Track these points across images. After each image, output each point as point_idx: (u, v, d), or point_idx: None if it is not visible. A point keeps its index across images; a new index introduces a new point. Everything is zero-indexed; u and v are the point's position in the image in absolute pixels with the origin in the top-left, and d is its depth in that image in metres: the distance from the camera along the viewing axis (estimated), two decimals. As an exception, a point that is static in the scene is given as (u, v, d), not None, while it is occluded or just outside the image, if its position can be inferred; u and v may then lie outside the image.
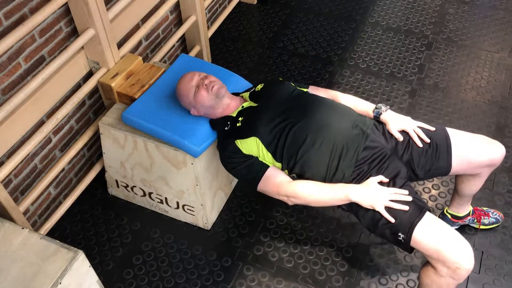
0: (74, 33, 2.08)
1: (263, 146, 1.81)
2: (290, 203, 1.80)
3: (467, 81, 2.93)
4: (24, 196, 2.06)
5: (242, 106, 1.94)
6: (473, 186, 1.98)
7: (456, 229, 2.15)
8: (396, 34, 3.26)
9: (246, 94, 2.02)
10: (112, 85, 2.14)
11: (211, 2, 3.13)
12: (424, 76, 2.98)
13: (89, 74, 2.21)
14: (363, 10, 3.46)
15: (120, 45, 2.31)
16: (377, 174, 1.74)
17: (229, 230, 2.30)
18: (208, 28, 3.10)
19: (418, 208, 1.64)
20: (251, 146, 1.81)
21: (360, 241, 2.22)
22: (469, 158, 1.81)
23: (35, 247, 1.57)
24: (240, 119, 1.89)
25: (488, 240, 2.20)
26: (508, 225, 2.25)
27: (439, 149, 1.81)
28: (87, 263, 1.60)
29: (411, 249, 1.66)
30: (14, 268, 1.52)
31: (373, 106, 1.93)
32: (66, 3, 1.95)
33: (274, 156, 1.81)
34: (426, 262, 1.70)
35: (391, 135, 1.85)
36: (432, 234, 1.60)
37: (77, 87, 2.18)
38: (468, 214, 2.18)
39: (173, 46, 2.83)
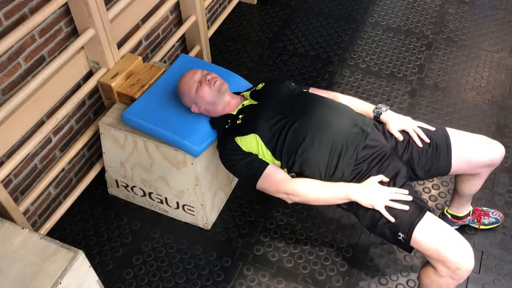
0: (74, 33, 2.08)
1: (262, 143, 1.81)
2: (289, 201, 1.80)
3: (467, 81, 2.93)
4: (24, 196, 2.06)
5: (243, 104, 1.95)
6: (473, 186, 1.98)
7: (456, 229, 2.16)
8: (396, 34, 3.26)
9: (247, 93, 2.03)
10: (112, 85, 2.14)
11: (211, 2, 3.13)
12: (424, 76, 2.98)
13: (89, 74, 2.21)
14: (363, 10, 3.46)
15: (120, 45, 2.31)
16: (377, 173, 1.74)
17: (229, 230, 2.30)
18: (208, 28, 3.10)
19: (419, 208, 1.64)
20: (251, 143, 1.81)
21: (360, 241, 2.22)
22: (469, 158, 1.82)
23: (35, 247, 1.57)
24: (240, 116, 1.89)
25: (488, 240, 2.20)
26: (508, 225, 2.25)
27: (439, 149, 1.81)
28: (87, 263, 1.60)
29: (410, 249, 1.66)
30: (14, 268, 1.52)
31: (373, 106, 1.93)
32: (66, 3, 1.95)
33: (274, 153, 1.81)
34: (426, 262, 1.70)
35: (391, 134, 1.85)
36: (432, 234, 1.60)
37: (77, 87, 2.18)
38: (468, 214, 2.18)
39: (173, 46, 2.83)
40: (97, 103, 2.35)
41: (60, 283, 1.49)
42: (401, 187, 1.71)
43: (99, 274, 1.83)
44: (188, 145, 1.95)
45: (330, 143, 1.75)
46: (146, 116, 2.03)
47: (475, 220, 2.20)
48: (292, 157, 1.79)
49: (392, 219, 1.63)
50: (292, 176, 1.83)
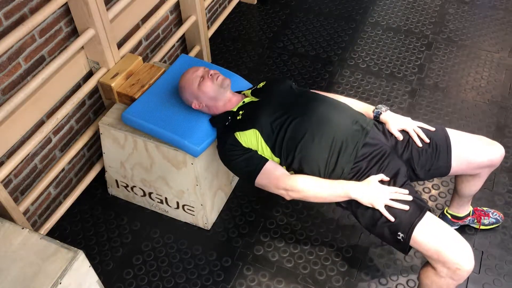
0: (74, 33, 2.08)
1: (262, 139, 1.81)
2: (288, 198, 1.79)
3: (467, 81, 2.93)
4: (24, 196, 2.06)
5: (243, 102, 1.95)
6: (472, 187, 1.98)
7: (456, 229, 2.16)
8: (396, 34, 3.26)
9: (248, 91, 2.03)
10: (112, 85, 2.14)
11: (211, 2, 3.13)
12: (424, 76, 2.98)
13: (89, 74, 2.21)
14: (363, 10, 3.46)
15: (120, 45, 2.31)
16: (377, 172, 1.74)
17: (229, 230, 2.30)
18: (208, 28, 3.10)
19: (419, 208, 1.64)
20: (251, 138, 1.81)
21: (360, 241, 2.22)
22: (469, 158, 1.82)
23: (35, 247, 1.57)
24: (240, 112, 1.89)
25: (488, 240, 2.20)
26: (508, 225, 2.25)
27: (439, 149, 1.81)
28: (87, 263, 1.60)
29: (408, 250, 1.66)
30: (14, 268, 1.52)
31: (372, 107, 1.93)
32: (66, 3, 1.95)
33: (273, 150, 1.81)
34: (426, 263, 1.70)
35: (391, 134, 1.85)
36: (432, 234, 1.60)
37: (77, 87, 2.18)
38: (468, 215, 2.18)
39: (173, 46, 2.83)
40: (97, 103, 2.35)
41: (60, 283, 1.49)
42: (401, 186, 1.71)
43: (99, 274, 1.83)
44: (188, 145, 1.95)
45: (330, 140, 1.75)
46: (146, 116, 2.03)
47: (475, 221, 2.20)
48: (292, 153, 1.79)
49: (392, 218, 1.63)
50: (291, 173, 1.83)
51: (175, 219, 2.34)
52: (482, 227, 2.21)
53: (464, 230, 2.23)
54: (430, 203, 2.35)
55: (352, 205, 1.73)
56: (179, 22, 2.80)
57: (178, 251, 2.22)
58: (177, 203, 2.26)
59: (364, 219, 1.71)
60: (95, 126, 2.26)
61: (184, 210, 2.27)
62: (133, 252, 2.22)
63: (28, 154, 2.06)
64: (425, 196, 2.38)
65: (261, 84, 2.04)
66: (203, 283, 2.11)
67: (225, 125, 1.91)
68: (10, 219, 1.89)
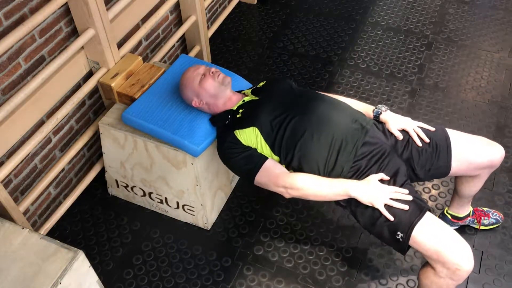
0: (74, 33, 2.08)
1: (262, 137, 1.81)
2: (287, 196, 1.79)
3: (467, 81, 2.93)
4: (24, 196, 2.06)
5: (243, 100, 1.95)
6: (472, 187, 1.98)
7: (455, 229, 2.16)
8: (396, 34, 3.26)
9: (248, 91, 2.03)
10: (112, 85, 2.14)
11: (211, 2, 3.13)
12: (424, 76, 2.98)
13: (89, 74, 2.21)
14: (363, 10, 3.46)
15: (120, 45, 2.31)
16: (377, 171, 1.73)
17: (229, 230, 2.30)
18: (208, 28, 3.10)
19: (418, 208, 1.64)
20: (250, 136, 1.81)
21: (360, 241, 2.22)
22: (469, 159, 1.81)
23: (35, 247, 1.57)
24: (240, 111, 1.89)
25: (488, 240, 2.20)
26: (508, 225, 2.25)
27: (439, 149, 1.81)
28: (87, 263, 1.60)
29: (406, 250, 1.66)
30: (14, 268, 1.52)
31: (372, 107, 1.93)
32: (66, 3, 1.95)
33: (273, 148, 1.81)
34: (425, 263, 1.70)
35: (391, 133, 1.85)
36: (432, 235, 1.60)
37: (77, 87, 2.18)
38: (468, 215, 2.18)
39: (173, 46, 2.83)
40: (97, 103, 2.35)
41: (60, 283, 1.49)
42: (401, 186, 1.71)
43: (99, 274, 1.83)
44: (188, 145, 1.95)
45: (329, 138, 1.75)
46: (146, 116, 2.03)
47: (475, 221, 2.20)
48: (291, 151, 1.79)
49: (391, 218, 1.63)
50: (291, 172, 1.83)
51: (175, 219, 2.34)
52: (482, 227, 2.21)
53: (464, 230, 2.23)
54: (430, 203, 2.35)
55: (351, 204, 1.73)
56: (179, 22, 2.80)
57: (178, 251, 2.22)
58: (177, 203, 2.26)
59: (363, 219, 1.71)
60: (95, 126, 2.26)
61: (184, 210, 2.27)
62: (133, 252, 2.22)
63: (28, 154, 2.06)
64: (425, 196, 2.38)
65: (261, 84, 2.04)
66: (203, 283, 2.11)
67: (225, 124, 1.91)
68: (10, 219, 1.89)
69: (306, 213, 2.34)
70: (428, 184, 2.42)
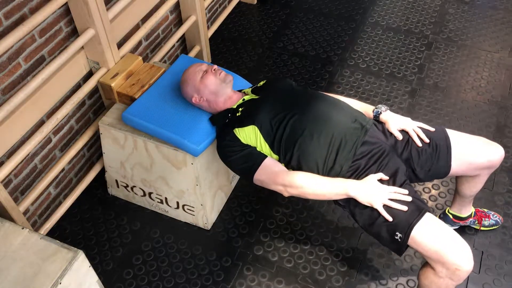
0: (74, 33, 2.08)
1: (261, 136, 1.81)
2: (286, 194, 1.79)
3: (467, 81, 2.93)
4: (24, 196, 2.06)
5: (243, 99, 1.95)
6: (473, 187, 1.98)
7: (455, 229, 2.16)
8: (396, 34, 3.26)
9: (248, 90, 2.03)
10: (112, 85, 2.14)
11: (211, 2, 3.13)
12: (424, 76, 2.98)
13: (89, 74, 2.21)
14: (363, 10, 3.46)
15: (120, 45, 2.31)
16: (376, 171, 1.73)
17: (229, 230, 2.30)
18: (208, 28, 3.10)
19: (418, 209, 1.63)
20: (249, 135, 1.81)
21: (360, 241, 2.22)
22: (469, 159, 1.81)
23: (35, 247, 1.57)
24: (240, 109, 1.90)
25: (488, 240, 2.20)
26: (508, 225, 2.25)
27: (439, 149, 1.81)
28: (87, 263, 1.60)
29: (403, 251, 1.65)
30: (14, 268, 1.52)
31: (372, 107, 1.93)
32: (66, 3, 1.95)
33: (272, 147, 1.81)
34: (425, 263, 1.70)
35: (391, 133, 1.85)
36: (431, 235, 1.59)
37: (77, 87, 2.18)
38: (470, 216, 2.18)
39: (173, 46, 2.83)
40: (97, 103, 2.35)
41: (60, 283, 1.49)
42: (400, 185, 1.71)
43: (99, 274, 1.83)
44: (188, 145, 1.95)
45: (329, 137, 1.75)
46: (146, 116, 2.03)
47: (476, 222, 2.20)
48: (290, 150, 1.79)
49: (390, 218, 1.63)
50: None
51: (175, 219, 2.34)
52: (482, 228, 2.21)
53: (464, 230, 2.23)
54: (430, 203, 2.35)
55: (350, 203, 1.73)
56: (179, 22, 2.80)
57: (178, 251, 2.22)
58: (177, 203, 2.26)
59: (361, 218, 1.71)
60: (95, 126, 2.26)
61: (184, 210, 2.27)
62: (133, 252, 2.22)
63: (28, 154, 2.06)
64: (425, 196, 2.38)
65: (262, 83, 2.04)
66: (203, 283, 2.11)
67: (225, 123, 1.91)
68: (10, 219, 1.89)
69: (306, 213, 2.34)
70: (428, 184, 2.42)
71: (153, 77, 2.22)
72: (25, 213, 2.13)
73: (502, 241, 2.20)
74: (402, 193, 1.66)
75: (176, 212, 2.31)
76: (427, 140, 1.82)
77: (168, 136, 1.99)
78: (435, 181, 2.43)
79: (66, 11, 2.00)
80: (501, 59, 3.04)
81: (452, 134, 1.85)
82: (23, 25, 1.74)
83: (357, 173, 1.74)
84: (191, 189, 2.15)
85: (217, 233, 2.29)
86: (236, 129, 1.82)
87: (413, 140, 1.82)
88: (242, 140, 1.82)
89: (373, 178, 1.70)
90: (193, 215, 2.27)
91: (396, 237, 1.63)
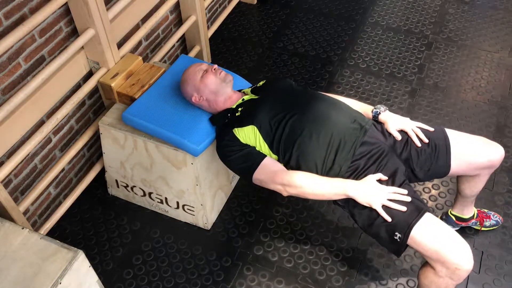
0: (74, 33, 2.08)
1: (260, 136, 1.81)
2: (285, 194, 1.78)
3: (467, 81, 2.93)
4: (24, 196, 2.06)
5: (243, 99, 1.95)
6: (473, 188, 1.98)
7: (456, 230, 2.16)
8: (396, 34, 3.26)
9: (248, 90, 2.03)
10: (112, 85, 2.14)
11: (211, 2, 3.13)
12: (424, 76, 2.98)
13: (89, 74, 2.21)
14: (363, 10, 3.46)
15: (120, 45, 2.31)
16: (375, 171, 1.73)
17: (229, 230, 2.30)
18: (208, 28, 3.10)
19: (417, 209, 1.63)
20: (249, 134, 1.81)
21: (360, 241, 2.22)
22: (468, 159, 1.81)
23: (35, 247, 1.57)
24: (239, 109, 1.90)
25: (488, 240, 2.20)
26: (508, 225, 2.25)
27: (438, 149, 1.81)
28: (87, 263, 1.60)
29: (401, 252, 1.65)
30: (14, 268, 1.52)
31: (371, 107, 1.93)
32: (66, 3, 1.95)
33: (271, 147, 1.81)
34: (424, 263, 1.70)
35: (390, 134, 1.85)
36: (431, 234, 1.59)
37: (77, 87, 2.18)
38: (472, 217, 2.18)
39: (173, 46, 2.83)
40: (97, 103, 2.35)
41: (60, 283, 1.49)
42: (399, 185, 1.71)
43: (99, 274, 1.83)
44: (188, 145, 1.95)
45: (328, 137, 1.75)
46: (146, 116, 2.03)
47: (478, 223, 2.20)
48: (289, 150, 1.79)
49: (389, 219, 1.63)
50: None
51: (175, 219, 2.34)
52: (483, 228, 2.21)
53: (464, 230, 2.23)
54: (430, 203, 2.35)
55: (349, 204, 1.73)
56: (179, 22, 2.80)
57: (178, 251, 2.22)
58: (177, 203, 2.26)
59: (360, 219, 1.71)
60: (95, 126, 2.26)
61: (184, 210, 2.27)
62: (133, 252, 2.22)
63: (28, 154, 2.06)
64: (425, 196, 2.38)
65: (261, 83, 2.04)
66: (203, 283, 2.11)
67: (225, 123, 1.91)
68: (10, 219, 1.89)
69: (306, 213, 2.34)
70: (428, 184, 2.42)
71: (153, 77, 2.22)
72: (25, 213, 2.13)
73: (502, 241, 2.20)
74: (401, 193, 1.66)
75: (176, 212, 2.31)
76: (426, 140, 1.82)
77: (168, 136, 1.99)
78: (435, 181, 2.43)
79: (66, 11, 2.00)
80: (501, 59, 3.04)
81: (452, 134, 1.85)
82: (23, 25, 1.74)
83: (356, 174, 1.74)
84: (191, 189, 2.15)
85: (217, 233, 2.29)
86: (236, 129, 1.82)
87: (412, 140, 1.82)
88: (241, 140, 1.82)
89: (372, 178, 1.70)
90: (193, 215, 2.27)
91: (395, 237, 1.62)
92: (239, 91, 2.06)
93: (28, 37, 1.88)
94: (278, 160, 1.83)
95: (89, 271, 1.62)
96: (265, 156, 1.81)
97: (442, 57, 3.09)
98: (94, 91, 2.29)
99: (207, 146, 1.99)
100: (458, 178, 2.01)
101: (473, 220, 2.19)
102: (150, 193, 2.30)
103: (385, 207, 1.64)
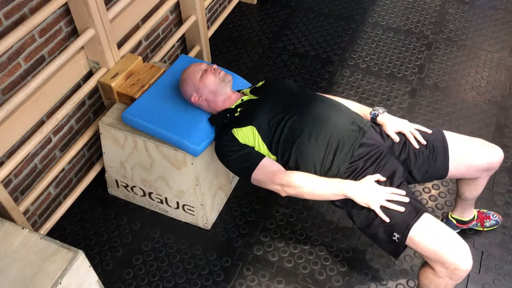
0: (74, 33, 2.08)
1: (259, 136, 1.81)
2: (283, 194, 1.78)
3: (467, 81, 2.93)
4: (24, 196, 2.06)
5: (242, 99, 1.95)
6: (473, 190, 1.98)
7: (457, 232, 2.16)
8: (396, 34, 3.26)
9: (247, 90, 2.03)
10: (112, 85, 2.14)
11: (211, 2, 3.13)
12: (424, 76, 2.98)
13: (89, 74, 2.21)
14: (363, 10, 3.46)
15: (120, 45, 2.31)
16: (374, 172, 1.73)
17: (229, 230, 2.30)
18: (208, 28, 3.10)
19: (415, 209, 1.63)
20: (248, 135, 1.81)
21: (360, 241, 2.22)
22: (468, 161, 1.81)
23: (35, 247, 1.57)
24: (238, 109, 1.90)
25: (488, 240, 2.20)
26: (508, 225, 2.25)
27: (436, 151, 1.80)
28: (87, 263, 1.60)
29: (399, 254, 1.65)
30: (14, 268, 1.52)
31: (370, 109, 1.93)
32: (66, 3, 1.95)
33: (270, 147, 1.81)
34: (424, 263, 1.70)
35: (388, 136, 1.85)
36: (429, 235, 1.59)
37: (77, 87, 2.18)
38: (473, 219, 2.17)
39: (173, 46, 2.83)
40: (97, 103, 2.35)
41: (60, 283, 1.49)
42: (397, 187, 1.70)
43: (99, 274, 1.83)
44: (188, 145, 1.95)
45: (326, 138, 1.75)
46: (146, 116, 2.03)
47: (479, 224, 2.20)
48: (288, 151, 1.79)
49: (387, 219, 1.63)
50: None
51: (175, 219, 2.34)
52: (485, 229, 2.21)
53: (464, 230, 2.22)
54: (430, 203, 2.35)
55: (347, 204, 1.73)
56: (179, 22, 2.80)
57: (178, 251, 2.22)
58: (177, 203, 2.26)
59: (359, 219, 1.71)
60: (95, 126, 2.26)
61: (184, 210, 2.27)
62: (133, 252, 2.22)
63: (28, 154, 2.06)
64: (425, 196, 2.38)
65: (260, 83, 2.04)
66: (203, 283, 2.11)
67: (224, 123, 1.91)
68: (10, 219, 1.89)
69: (306, 213, 2.34)
70: (428, 184, 2.42)
71: (153, 77, 2.22)
72: (25, 213, 2.13)
73: (502, 241, 2.20)
74: (399, 194, 1.66)
75: (176, 212, 2.31)
76: (424, 142, 1.81)
77: (168, 136, 1.99)
78: (435, 181, 2.43)
79: (66, 11, 2.00)
80: (501, 59, 3.04)
81: (451, 136, 1.84)
82: (23, 25, 1.74)
83: (355, 175, 1.74)
84: (191, 189, 2.15)
85: (217, 233, 2.29)
86: (234, 129, 1.82)
87: (410, 142, 1.82)
88: (240, 140, 1.82)
89: (370, 179, 1.70)
90: (193, 215, 2.27)
91: (393, 238, 1.62)
92: (238, 91, 2.06)
93: (28, 37, 1.88)
94: (277, 161, 1.83)
95: (89, 271, 1.62)
96: (263, 156, 1.81)
97: (442, 57, 3.09)
98: (94, 91, 2.29)
99: (207, 146, 1.99)
100: (458, 181, 2.01)
101: (474, 222, 2.19)
102: (150, 193, 2.30)
103: (383, 208, 1.64)
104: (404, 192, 1.67)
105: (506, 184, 2.40)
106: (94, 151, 2.44)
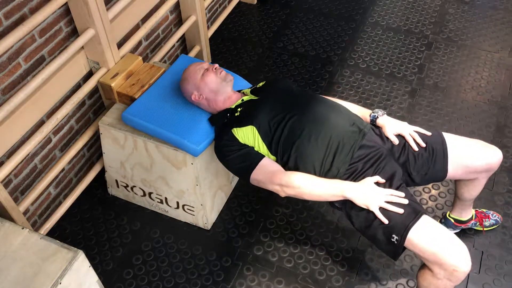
0: (74, 33, 2.08)
1: (259, 136, 1.81)
2: (282, 194, 1.78)
3: (467, 81, 2.93)
4: (24, 196, 2.06)
5: (242, 99, 1.95)
6: (472, 191, 1.97)
7: (456, 232, 2.16)
8: (396, 34, 3.26)
9: (247, 90, 2.03)
10: (112, 85, 2.14)
11: (211, 2, 3.13)
12: (424, 76, 2.98)
13: (89, 74, 2.21)
14: (363, 10, 3.46)
15: (120, 45, 2.31)
16: (373, 174, 1.73)
17: (229, 230, 2.30)
18: (208, 28, 3.10)
19: (414, 211, 1.63)
20: (248, 135, 1.81)
21: (360, 241, 2.22)
22: (466, 163, 1.81)
23: (35, 247, 1.57)
24: (239, 109, 1.90)
25: (488, 240, 2.20)
26: (508, 225, 2.25)
27: (435, 153, 1.80)
28: (87, 263, 1.60)
29: (398, 255, 1.65)
30: (14, 268, 1.52)
31: (369, 111, 1.93)
32: (66, 3, 1.95)
33: (270, 147, 1.81)
34: (423, 265, 1.70)
35: (387, 138, 1.85)
36: (428, 237, 1.59)
37: (77, 87, 2.18)
38: (471, 218, 2.17)
39: (173, 46, 2.83)
40: (97, 103, 2.35)
41: (60, 283, 1.49)
42: (396, 189, 1.70)
43: (99, 274, 1.83)
44: (188, 145, 1.95)
45: (326, 139, 1.75)
46: (146, 116, 2.03)
47: (478, 224, 2.20)
48: (288, 151, 1.79)
49: (386, 221, 1.62)
50: None
51: (175, 219, 2.34)
52: (485, 229, 2.21)
53: (463, 230, 2.22)
54: (430, 203, 2.35)
55: (346, 205, 1.73)
56: (179, 22, 2.80)
57: (178, 251, 2.22)
58: (177, 203, 2.26)
59: (358, 221, 1.71)
60: (95, 126, 2.26)
61: (184, 210, 2.27)
62: (133, 252, 2.22)
63: (28, 154, 2.06)
64: (425, 196, 2.38)
65: (261, 84, 2.05)
66: (203, 283, 2.11)
67: (223, 123, 1.91)
68: (10, 219, 1.89)
69: (306, 213, 2.34)
70: (428, 184, 2.42)
71: (153, 77, 2.22)
72: (25, 213, 2.13)
73: (502, 241, 2.20)
74: (398, 196, 1.66)
75: (176, 212, 2.31)
76: (423, 144, 1.81)
77: (168, 136, 1.99)
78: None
79: (66, 11, 2.00)
80: (501, 59, 3.04)
81: (449, 137, 1.84)
82: (23, 25, 1.74)
83: (354, 176, 1.74)
84: (191, 189, 2.15)
85: (217, 233, 2.29)
86: (234, 129, 1.82)
87: (409, 144, 1.82)
88: (240, 140, 1.82)
89: (369, 181, 1.70)
90: (193, 215, 2.27)
91: (392, 239, 1.62)
92: (239, 91, 2.06)
93: (28, 37, 1.88)
94: (277, 161, 1.83)
95: (89, 271, 1.62)
96: (263, 156, 1.81)
97: (442, 57, 3.09)
98: (94, 91, 2.29)
99: (207, 146, 1.99)
100: (457, 182, 2.00)
101: (473, 221, 2.19)
102: (150, 193, 2.30)
103: (382, 209, 1.64)
104: (403, 194, 1.67)
105: (506, 184, 2.40)
106: (94, 151, 2.44)
